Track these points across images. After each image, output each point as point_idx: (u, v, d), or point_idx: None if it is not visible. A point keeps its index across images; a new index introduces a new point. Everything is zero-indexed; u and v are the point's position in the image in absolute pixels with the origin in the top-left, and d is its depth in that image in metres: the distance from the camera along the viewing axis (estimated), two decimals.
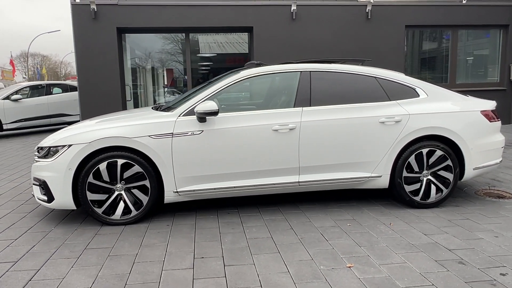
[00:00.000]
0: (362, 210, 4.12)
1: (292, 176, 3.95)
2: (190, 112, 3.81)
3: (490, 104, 4.36)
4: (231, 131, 3.80)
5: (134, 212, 3.76)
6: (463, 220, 3.78)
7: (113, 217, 3.74)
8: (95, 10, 8.70)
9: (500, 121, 4.44)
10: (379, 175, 4.08)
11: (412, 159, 4.07)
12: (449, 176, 4.15)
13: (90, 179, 3.65)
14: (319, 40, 9.60)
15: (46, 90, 12.59)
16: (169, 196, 3.80)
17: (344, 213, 4.02)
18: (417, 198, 4.13)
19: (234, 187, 3.87)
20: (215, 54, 10.47)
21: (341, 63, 4.40)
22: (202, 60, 10.35)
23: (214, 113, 3.67)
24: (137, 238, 3.44)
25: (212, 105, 3.64)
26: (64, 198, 3.65)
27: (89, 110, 8.98)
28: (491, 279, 2.65)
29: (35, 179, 3.81)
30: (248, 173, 3.86)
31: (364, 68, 4.23)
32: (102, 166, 3.65)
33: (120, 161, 3.67)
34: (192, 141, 3.74)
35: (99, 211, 3.71)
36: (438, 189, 4.16)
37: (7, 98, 11.51)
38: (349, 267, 2.85)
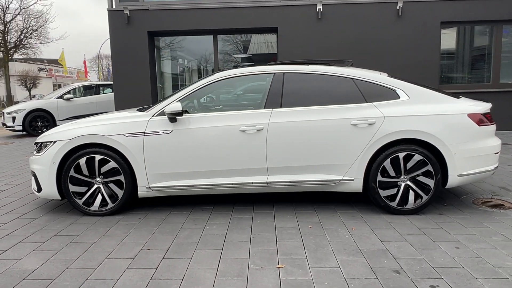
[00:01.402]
0: (335, 213, 4.07)
1: (261, 177, 4.01)
2: (162, 113, 4.02)
3: (482, 107, 4.06)
4: (199, 131, 3.95)
5: (110, 205, 4.06)
6: (434, 229, 3.60)
7: (91, 208, 4.07)
8: (128, 15, 9.30)
9: (494, 125, 4.12)
10: (351, 178, 3.99)
11: (387, 163, 3.94)
12: (430, 182, 3.95)
13: (72, 172, 4.01)
14: (346, 40, 9.40)
15: (95, 90, 13.64)
16: (142, 191, 4.04)
17: (314, 216, 4.00)
18: (394, 204, 3.99)
19: (203, 185, 4.02)
20: (250, 55, 10.64)
21: (323, 65, 4.35)
22: (245, 60, 10.51)
23: (179, 114, 3.86)
24: (104, 228, 3.72)
25: (176, 106, 3.83)
26: (50, 189, 4.05)
27: (123, 108, 9.61)
28: None
29: (31, 171, 4.26)
30: (216, 172, 3.99)
31: (341, 69, 4.16)
32: (82, 161, 3.99)
33: (98, 157, 3.99)
34: (162, 140, 3.95)
35: (80, 202, 4.06)
36: (418, 196, 3.98)
37: (61, 97, 12.66)
38: (279, 267, 2.88)
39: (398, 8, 9.21)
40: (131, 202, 4.35)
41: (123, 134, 3.96)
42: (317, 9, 9.24)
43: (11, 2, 35.24)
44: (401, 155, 3.92)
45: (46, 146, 4.09)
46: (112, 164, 3.99)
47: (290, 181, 4.01)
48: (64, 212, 4.23)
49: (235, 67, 4.42)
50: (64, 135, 4.02)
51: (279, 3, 9.34)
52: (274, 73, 4.15)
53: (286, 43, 9.45)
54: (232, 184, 4.01)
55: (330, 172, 4.01)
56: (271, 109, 4.01)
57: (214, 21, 9.44)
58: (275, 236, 3.49)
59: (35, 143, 4.28)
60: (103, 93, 13.61)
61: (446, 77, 9.83)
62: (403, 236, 3.44)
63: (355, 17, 9.33)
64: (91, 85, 13.90)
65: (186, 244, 3.33)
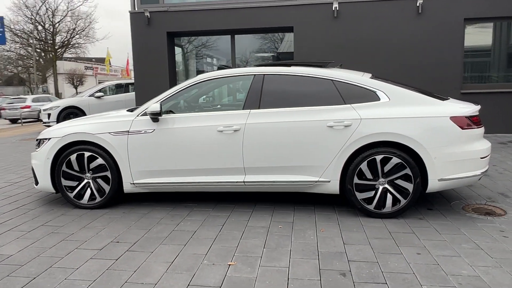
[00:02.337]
0: (313, 214, 4.09)
1: (238, 176, 4.11)
2: (145, 113, 4.22)
3: (467, 109, 3.92)
4: (179, 130, 4.11)
5: (98, 199, 4.32)
6: (405, 234, 3.54)
7: (81, 201, 4.35)
8: (149, 16, 9.67)
9: (481, 128, 3.97)
10: (327, 180, 4.00)
11: (364, 166, 3.91)
12: (409, 186, 3.88)
13: (64, 167, 4.31)
14: (363, 38, 9.23)
15: (125, 88, 14.26)
16: (127, 187, 4.27)
17: (290, 216, 4.05)
18: (371, 207, 3.95)
19: (183, 183, 4.18)
20: (274, 54, 10.72)
21: (305, 66, 4.36)
22: (276, 59, 10.57)
23: (158, 114, 4.04)
24: (88, 221, 3.98)
25: (154, 107, 4.01)
26: (45, 182, 4.38)
27: None
28: None
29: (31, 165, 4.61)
30: (195, 170, 4.14)
31: (321, 71, 4.16)
32: (73, 157, 4.28)
33: (87, 154, 4.26)
34: (145, 139, 4.15)
35: (71, 195, 4.35)
36: (396, 199, 3.92)
37: (92, 95, 13.36)
38: (230, 265, 2.98)
39: (418, 5, 8.92)
40: (124, 197, 4.60)
41: (109, 133, 4.20)
42: (333, 7, 9.14)
43: (59, 4, 37.55)
44: (378, 157, 3.88)
45: (43, 142, 4.41)
46: (99, 161, 4.25)
47: (266, 181, 4.08)
48: (59, 205, 4.55)
49: (220, 68, 4.54)
50: (57, 133, 4.32)
51: (294, 2, 9.34)
52: (255, 74, 4.22)
53: (302, 43, 9.43)
54: (211, 182, 4.14)
55: (306, 173, 4.03)
56: (249, 110, 4.10)
57: (231, 21, 9.60)
58: (241, 234, 3.58)
59: (36, 140, 4.62)
60: (132, 91, 14.19)
61: (472, 76, 9.40)
62: (369, 240, 3.42)
63: (373, 15, 9.14)
64: (121, 83, 14.53)
65: (154, 239, 3.50)
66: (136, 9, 9.86)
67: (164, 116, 4.17)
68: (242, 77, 4.29)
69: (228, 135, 4.04)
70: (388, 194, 3.93)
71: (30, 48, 38.90)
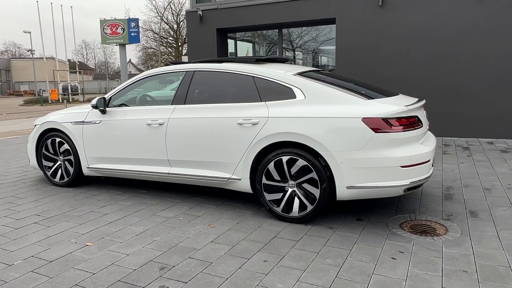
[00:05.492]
0: (230, 211, 4.10)
1: (164, 167, 4.35)
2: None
3: (387, 110, 3.44)
4: (118, 122, 4.53)
5: (66, 178, 5.03)
6: (288, 240, 3.35)
7: (55, 179, 5.12)
8: (201, 15, 10.29)
9: (409, 131, 3.46)
10: (238, 178, 3.96)
11: (271, 166, 3.76)
12: (315, 191, 3.62)
13: (44, 150, 5.12)
14: (413, 27, 8.30)
15: None
16: (85, 170, 4.87)
17: (205, 210, 4.13)
18: (278, 209, 3.80)
19: (123, 170, 4.59)
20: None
21: (236, 62, 4.29)
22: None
23: (95, 107, 4.52)
24: (45, 195, 4.70)
25: (93, 101, 4.50)
26: (33, 161, 5.27)
27: None
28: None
29: None
30: (130, 159, 4.51)
31: (244, 67, 4.08)
32: (49, 142, 5.05)
33: (57, 139, 4.99)
34: (94, 129, 4.68)
35: (48, 173, 5.15)
36: (304, 204, 3.69)
37: None
38: (87, 245, 3.29)
39: None
40: (109, 180, 5.23)
41: (71, 122, 4.85)
42: None
43: (183, 4, 41.65)
44: (285, 158, 3.69)
45: (34, 128, 5.30)
46: (66, 146, 4.94)
47: (187, 174, 4.22)
48: (45, 182, 5.41)
49: (166, 65, 4.79)
50: (40, 120, 5.16)
51: None
52: (187, 71, 4.37)
53: (344, 35, 8.93)
54: (143, 171, 4.46)
55: (220, 169, 4.06)
56: (175, 106, 4.28)
57: (277, 15, 9.60)
58: (139, 221, 3.83)
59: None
60: None
61: None
62: (242, 241, 3.34)
63: (423, 1, 8.14)
64: None
65: (68, 216, 4.00)
66: (191, 8, 10.59)
67: (109, 109, 4.63)
68: (177, 73, 4.48)
69: (155, 129, 4.30)
70: (296, 198, 3.72)
71: (165, 45, 43.98)
